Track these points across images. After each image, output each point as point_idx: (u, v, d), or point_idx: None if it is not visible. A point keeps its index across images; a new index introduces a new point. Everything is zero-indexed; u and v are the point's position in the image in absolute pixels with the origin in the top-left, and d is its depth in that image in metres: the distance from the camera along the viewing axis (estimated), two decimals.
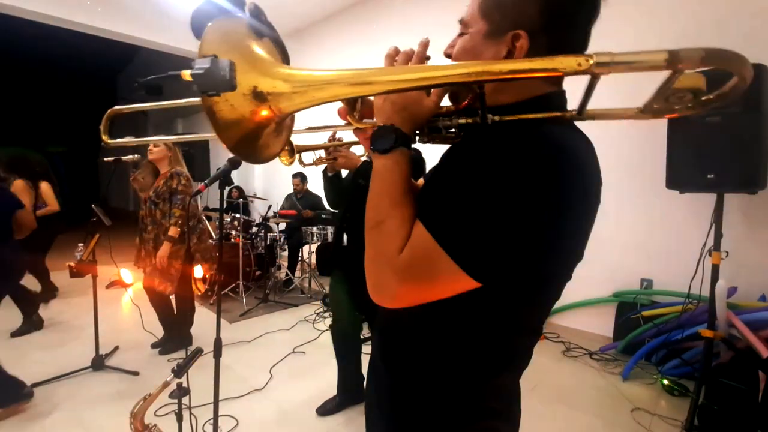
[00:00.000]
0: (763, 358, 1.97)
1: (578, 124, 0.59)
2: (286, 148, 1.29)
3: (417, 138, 0.64)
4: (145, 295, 2.88)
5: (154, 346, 2.99)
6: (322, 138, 1.57)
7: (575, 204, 0.51)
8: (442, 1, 4.00)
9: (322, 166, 2.01)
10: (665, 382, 2.46)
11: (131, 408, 1.30)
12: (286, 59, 0.60)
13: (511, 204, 0.48)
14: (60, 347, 3.00)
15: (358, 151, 1.96)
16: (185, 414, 1.43)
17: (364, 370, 2.06)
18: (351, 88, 0.53)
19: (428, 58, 0.59)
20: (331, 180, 2.12)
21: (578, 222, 0.53)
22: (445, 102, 0.63)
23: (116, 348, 2.95)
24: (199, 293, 4.15)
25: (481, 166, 0.52)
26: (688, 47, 0.39)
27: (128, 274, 4.40)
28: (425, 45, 0.60)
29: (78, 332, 3.25)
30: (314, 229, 4.60)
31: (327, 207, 4.89)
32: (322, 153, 1.63)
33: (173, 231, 2.66)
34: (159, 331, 3.02)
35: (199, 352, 1.43)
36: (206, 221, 4.09)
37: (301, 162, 1.49)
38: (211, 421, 1.62)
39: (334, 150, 1.79)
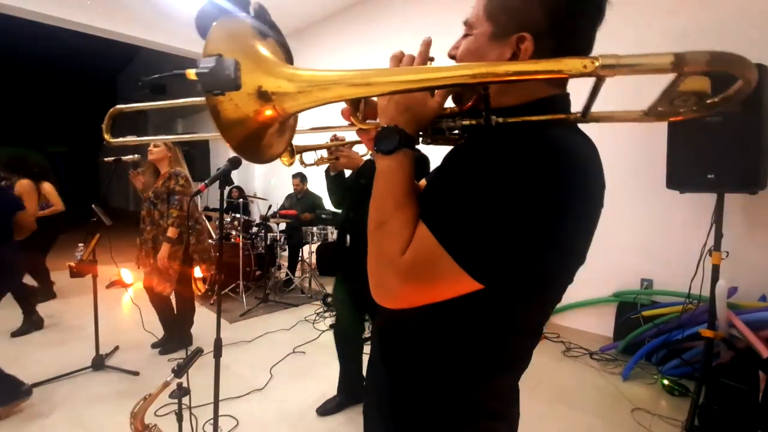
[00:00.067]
0: (764, 358, 1.97)
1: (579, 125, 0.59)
2: (287, 148, 1.28)
3: (420, 139, 0.64)
4: (146, 295, 2.88)
5: (154, 346, 2.99)
6: (323, 138, 1.56)
7: (578, 207, 0.51)
8: (442, 1, 4.00)
9: (323, 166, 2.01)
10: (665, 382, 2.46)
11: (131, 408, 1.30)
12: (289, 59, 0.60)
13: (514, 207, 0.48)
14: (60, 347, 3.00)
15: (360, 150, 1.95)
16: (185, 414, 1.43)
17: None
18: (355, 89, 0.53)
19: (432, 59, 0.59)
20: (333, 179, 2.12)
21: (581, 225, 0.53)
22: (448, 104, 0.63)
23: (116, 348, 2.94)
24: (199, 293, 4.15)
25: (484, 168, 0.52)
26: (693, 50, 0.39)
27: (128, 274, 4.40)
28: (428, 44, 0.60)
29: (78, 332, 3.24)
30: (314, 229, 4.61)
31: (327, 207, 4.93)
32: (323, 153, 1.62)
33: (171, 232, 2.66)
34: (159, 331, 3.02)
35: (199, 352, 1.43)
36: (206, 221, 4.09)
37: (302, 162, 1.48)
38: (211, 421, 1.62)
39: (336, 150, 1.79)
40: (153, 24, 5.10)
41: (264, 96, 0.53)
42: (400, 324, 0.66)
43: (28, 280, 3.69)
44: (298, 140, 0.69)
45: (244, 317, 3.73)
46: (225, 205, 1.83)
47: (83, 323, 3.28)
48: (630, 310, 2.87)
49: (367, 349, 2.19)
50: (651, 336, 2.67)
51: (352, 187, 2.04)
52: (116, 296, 4.27)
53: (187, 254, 2.78)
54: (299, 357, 2.95)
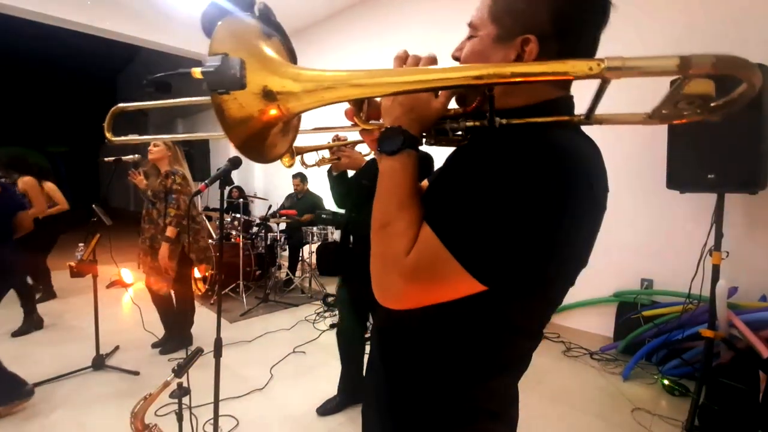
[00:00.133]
0: (764, 358, 1.97)
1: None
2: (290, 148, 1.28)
3: (423, 140, 0.64)
4: (146, 295, 2.88)
5: (154, 345, 2.99)
6: (325, 138, 1.56)
7: (581, 210, 0.51)
8: (442, 0, 4.00)
9: (324, 167, 2.01)
10: (666, 382, 2.46)
11: (132, 408, 1.30)
12: (293, 59, 0.60)
13: (517, 209, 0.48)
14: (60, 347, 3.00)
15: (362, 150, 1.95)
16: (185, 414, 1.43)
17: None
18: (360, 89, 0.53)
19: (435, 61, 0.59)
20: (336, 180, 2.11)
21: (583, 228, 0.53)
22: (451, 104, 0.63)
23: (117, 348, 2.95)
24: (200, 293, 4.15)
25: (488, 169, 0.52)
26: (699, 53, 0.39)
27: (128, 273, 4.40)
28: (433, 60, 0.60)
29: (78, 332, 3.24)
30: (314, 229, 4.61)
31: (327, 207, 4.93)
32: (325, 153, 1.62)
33: (170, 231, 2.65)
34: (159, 331, 3.02)
35: (199, 351, 1.43)
36: (205, 221, 4.09)
37: (303, 163, 1.48)
38: (212, 421, 1.62)
39: (338, 150, 1.78)
40: (153, 24, 5.10)
41: (269, 95, 0.53)
42: (399, 324, 0.66)
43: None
44: (299, 141, 0.69)
45: (245, 317, 3.73)
46: (225, 205, 1.83)
47: (83, 323, 3.28)
48: (630, 310, 2.87)
49: (368, 349, 2.20)
50: (651, 336, 2.67)
51: (355, 188, 2.03)
52: (116, 296, 4.27)
53: (184, 254, 2.77)
54: (299, 357, 2.95)
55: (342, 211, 2.33)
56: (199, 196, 2.89)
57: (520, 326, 0.60)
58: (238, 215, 4.49)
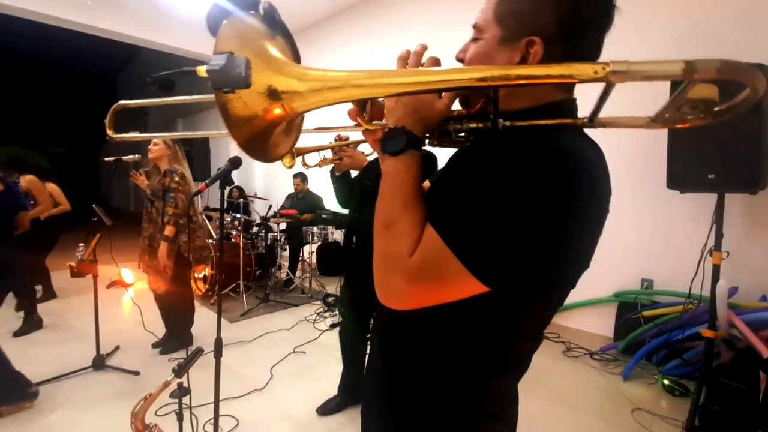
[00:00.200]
0: (764, 358, 1.97)
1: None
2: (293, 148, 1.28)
3: (426, 141, 0.64)
4: (146, 295, 2.87)
5: (154, 345, 2.98)
6: (328, 138, 1.56)
7: (584, 213, 0.51)
8: (443, 0, 4.01)
9: (325, 167, 2.00)
10: (666, 382, 2.47)
11: (132, 408, 1.30)
12: (297, 59, 0.60)
13: (521, 211, 0.48)
14: (61, 347, 3.00)
15: (363, 150, 1.94)
16: (186, 414, 1.43)
17: None
18: (364, 89, 0.53)
19: (439, 63, 0.59)
20: (338, 180, 2.09)
21: (586, 231, 0.53)
22: (455, 106, 0.63)
23: (117, 348, 2.94)
24: (200, 293, 4.15)
25: (492, 171, 0.52)
26: (704, 58, 0.39)
27: (129, 273, 4.40)
28: (424, 48, 0.60)
29: (78, 332, 3.24)
30: (315, 229, 4.61)
31: (327, 207, 4.94)
32: (326, 154, 1.62)
33: (168, 230, 2.65)
34: (159, 331, 3.02)
35: (199, 351, 1.43)
36: (206, 221, 4.09)
37: (304, 164, 1.48)
38: (212, 421, 1.62)
39: (340, 150, 1.78)
40: (153, 24, 5.10)
41: (274, 95, 0.53)
42: (399, 324, 0.66)
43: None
44: (301, 141, 0.69)
45: (245, 317, 3.73)
46: (225, 205, 1.83)
47: (84, 323, 3.27)
48: (630, 310, 2.87)
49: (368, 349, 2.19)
50: (651, 336, 2.67)
51: (358, 188, 2.03)
52: (116, 296, 4.27)
53: (180, 253, 2.76)
54: (299, 357, 2.95)
55: (343, 211, 2.32)
56: (199, 195, 2.88)
57: (521, 328, 0.60)
58: (238, 215, 4.48)
